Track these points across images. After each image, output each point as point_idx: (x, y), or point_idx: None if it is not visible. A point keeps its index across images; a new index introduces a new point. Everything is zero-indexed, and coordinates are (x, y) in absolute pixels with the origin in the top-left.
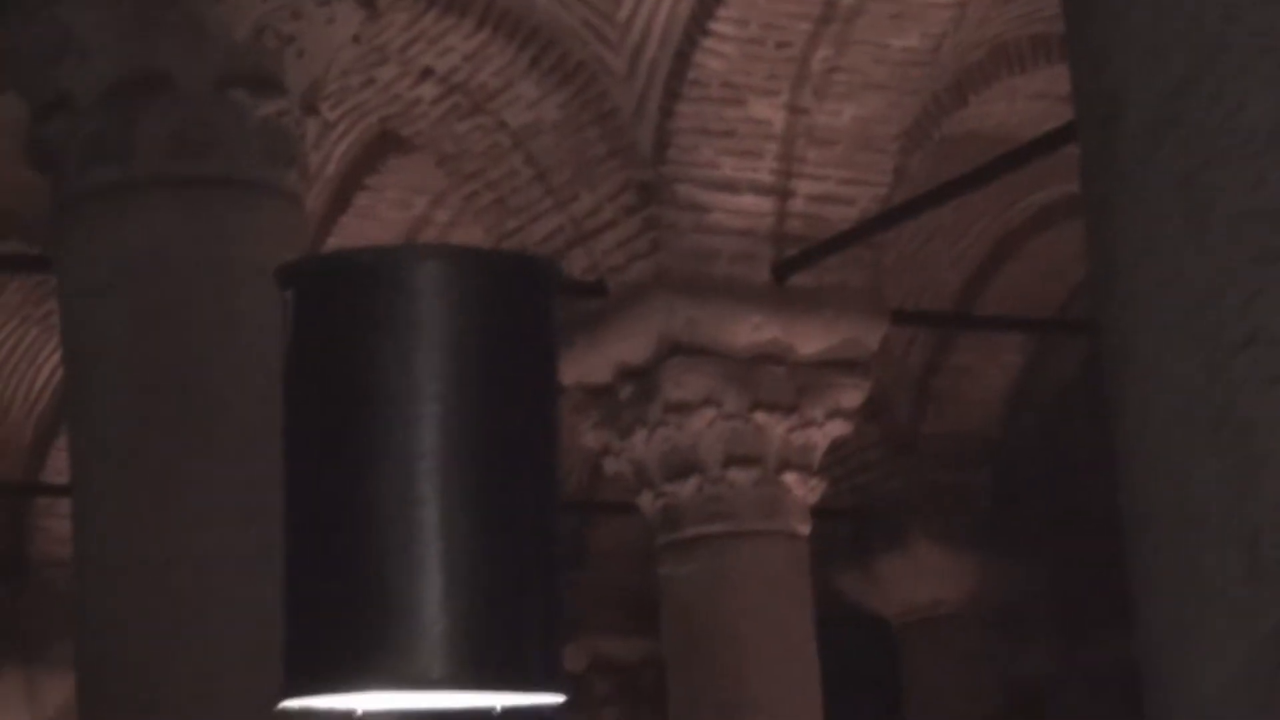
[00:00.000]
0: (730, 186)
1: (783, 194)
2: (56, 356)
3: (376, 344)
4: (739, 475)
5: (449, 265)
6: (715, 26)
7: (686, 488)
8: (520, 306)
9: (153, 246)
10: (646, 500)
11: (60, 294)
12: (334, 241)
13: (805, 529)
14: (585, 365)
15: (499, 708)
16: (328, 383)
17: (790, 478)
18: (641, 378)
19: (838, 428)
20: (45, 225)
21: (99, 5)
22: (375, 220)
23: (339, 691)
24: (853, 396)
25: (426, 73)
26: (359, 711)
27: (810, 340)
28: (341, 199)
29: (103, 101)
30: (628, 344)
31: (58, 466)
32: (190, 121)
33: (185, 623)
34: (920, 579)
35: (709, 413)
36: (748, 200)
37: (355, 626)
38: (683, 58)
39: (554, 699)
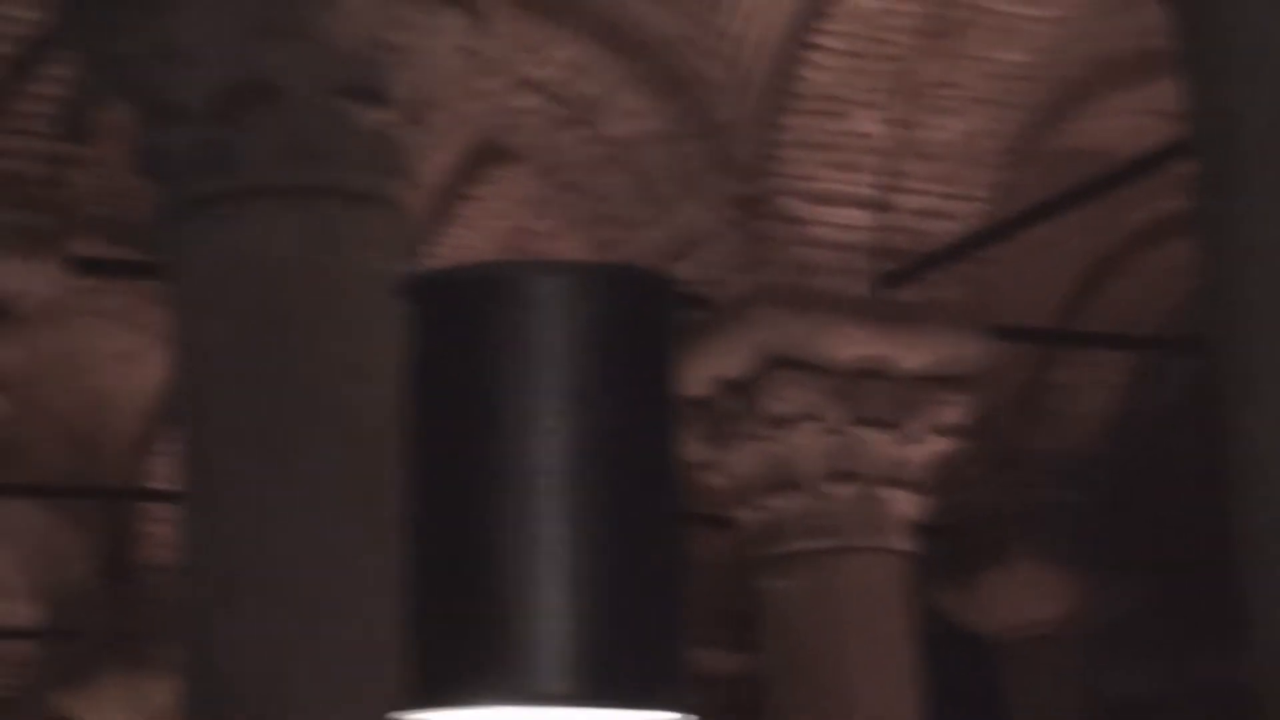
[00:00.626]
0: (832, 200)
1: (884, 208)
2: (160, 362)
3: (497, 359)
4: (840, 490)
5: (571, 280)
6: (819, 40)
7: (787, 502)
8: (641, 322)
9: (261, 254)
10: (746, 514)
11: (169, 301)
12: (436, 251)
13: (907, 545)
14: (685, 378)
15: None
16: (448, 397)
17: (891, 493)
18: (742, 391)
19: (939, 443)
20: (152, 232)
21: (209, 14)
22: (476, 230)
23: (458, 706)
24: (954, 412)
25: (530, 83)
26: None
27: (912, 355)
28: (444, 208)
29: (212, 110)
30: (728, 357)
31: (160, 472)
32: (298, 130)
33: (293, 630)
34: (1022, 596)
35: (809, 427)
36: (849, 214)
37: (476, 641)
38: (786, 71)
39: (677, 716)
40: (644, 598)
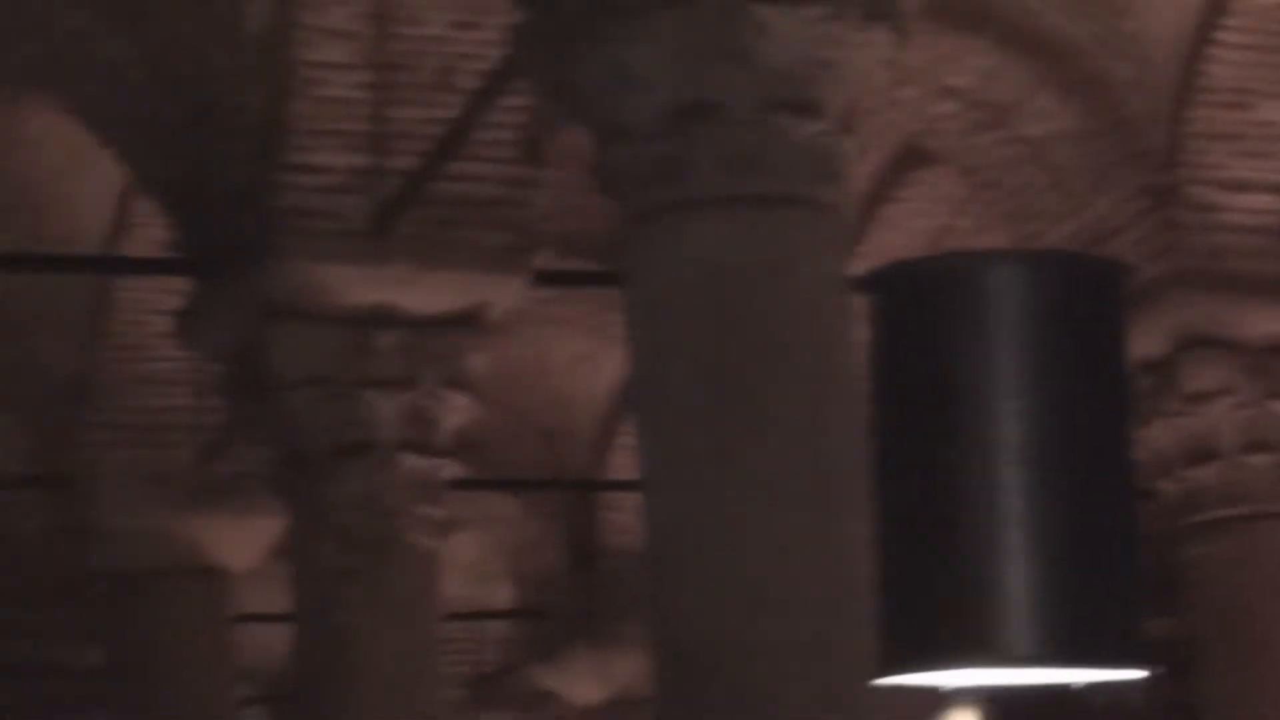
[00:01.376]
0: (1241, 187)
1: None
2: (615, 363)
3: (959, 343)
4: (1257, 460)
5: (1026, 268)
6: (1222, 35)
7: (1206, 473)
8: (1092, 304)
9: (709, 258)
10: (1167, 485)
11: (624, 306)
12: (863, 251)
13: None
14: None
15: (1081, 683)
16: (913, 379)
17: None
18: (1160, 370)
19: None
20: (607, 244)
21: (655, 42)
22: (901, 230)
23: (932, 669)
24: None
25: (948, 90)
26: (947, 688)
27: None
28: (870, 211)
29: (660, 128)
30: (1145, 338)
31: (619, 463)
32: (739, 144)
33: (752, 606)
34: None
35: (1226, 402)
36: (1259, 199)
37: (947, 608)
38: (1191, 65)
39: (1135, 673)
40: (1103, 563)
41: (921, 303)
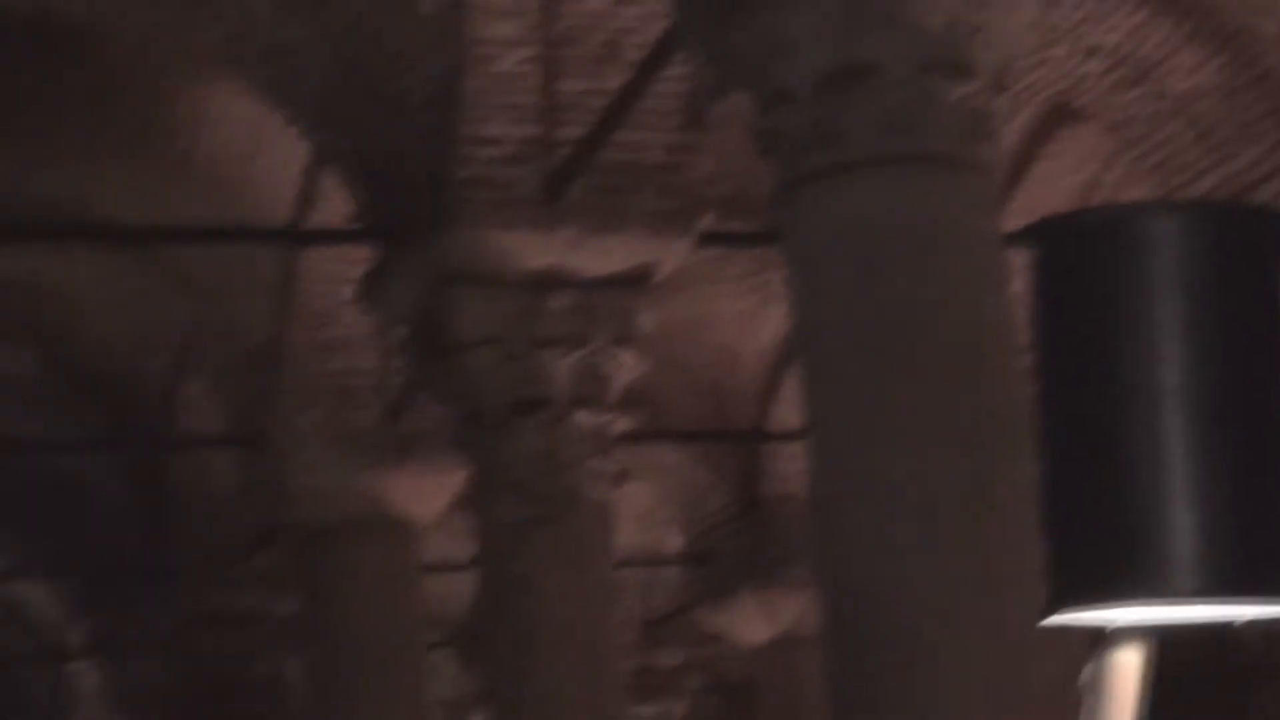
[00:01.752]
0: None
1: None
2: (775, 319)
3: (1119, 291)
4: None
5: (1184, 218)
6: None
7: None
8: (1249, 253)
9: (866, 217)
10: None
11: (787, 263)
12: (1012, 207)
13: None
14: None
15: (1243, 619)
16: (1075, 328)
17: None
18: None
19: None
20: (768, 205)
21: (811, 9)
22: (1049, 186)
23: (1097, 606)
24: None
25: (1094, 49)
26: (1112, 626)
27: None
28: (1019, 167)
29: (817, 92)
30: None
31: (781, 414)
32: (894, 106)
33: (912, 548)
34: None
35: None
36: None
37: (1113, 546)
38: None
39: None
40: (1263, 501)
41: (1081, 254)
